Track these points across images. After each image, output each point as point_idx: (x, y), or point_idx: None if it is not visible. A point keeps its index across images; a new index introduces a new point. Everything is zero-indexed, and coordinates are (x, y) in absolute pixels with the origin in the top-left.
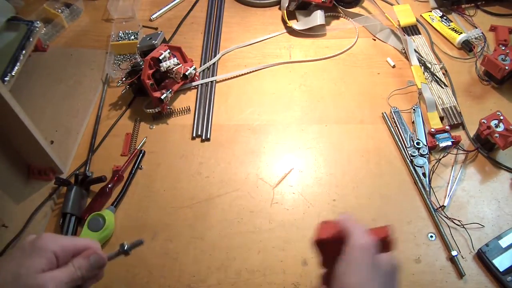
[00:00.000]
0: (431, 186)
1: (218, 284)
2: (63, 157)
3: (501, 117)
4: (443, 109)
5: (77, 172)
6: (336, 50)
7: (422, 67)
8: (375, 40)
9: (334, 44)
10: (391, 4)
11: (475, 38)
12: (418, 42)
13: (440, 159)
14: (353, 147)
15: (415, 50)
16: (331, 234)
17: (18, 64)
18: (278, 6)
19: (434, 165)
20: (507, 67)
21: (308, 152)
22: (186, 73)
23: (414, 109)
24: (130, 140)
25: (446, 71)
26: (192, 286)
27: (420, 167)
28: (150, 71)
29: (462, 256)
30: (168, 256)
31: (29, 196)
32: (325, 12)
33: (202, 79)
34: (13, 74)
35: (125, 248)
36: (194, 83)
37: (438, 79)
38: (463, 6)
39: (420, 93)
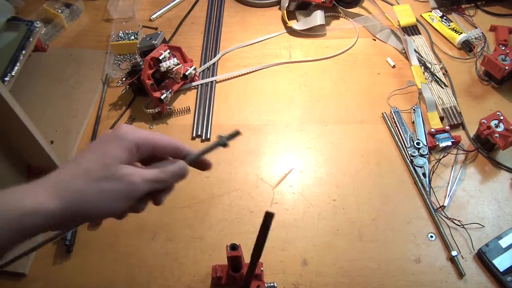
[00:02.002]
0: (431, 186)
1: None
2: (63, 157)
3: (501, 117)
4: (443, 109)
5: None
6: (336, 50)
7: (422, 67)
8: (375, 40)
9: (334, 44)
10: (391, 4)
11: (475, 38)
12: (418, 42)
13: (440, 159)
14: (353, 147)
15: (415, 50)
16: None
17: (18, 64)
18: (278, 6)
19: (434, 165)
20: (507, 67)
21: (308, 152)
22: (186, 73)
23: (414, 109)
24: None
25: (446, 71)
26: (192, 286)
27: (420, 167)
28: (150, 71)
29: (462, 256)
30: (168, 256)
31: None
32: (325, 12)
33: (202, 79)
34: (13, 74)
35: (224, 139)
36: (194, 83)
37: (438, 79)
38: (463, 6)
39: (420, 93)
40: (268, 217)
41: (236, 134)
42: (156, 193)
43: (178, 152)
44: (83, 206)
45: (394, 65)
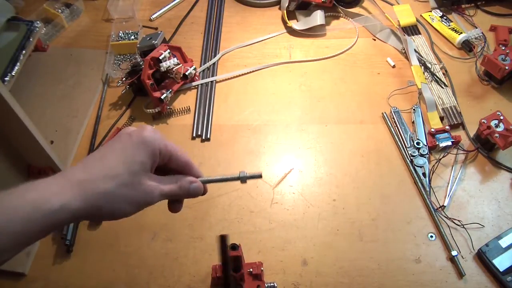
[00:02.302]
0: (431, 186)
1: None
2: (63, 157)
3: (501, 117)
4: (443, 109)
5: None
6: (336, 50)
7: (422, 67)
8: (375, 40)
9: (334, 44)
10: (391, 4)
11: (475, 38)
12: (418, 42)
13: (440, 159)
14: (353, 147)
15: (415, 50)
16: None
17: (18, 64)
18: (278, 6)
19: (434, 165)
20: (507, 67)
21: (308, 152)
22: (186, 73)
23: (414, 109)
24: (116, 134)
25: (446, 71)
26: (192, 286)
27: (420, 167)
28: (150, 71)
29: (462, 256)
30: (168, 256)
31: None
32: (325, 12)
33: (202, 79)
34: (13, 74)
35: (244, 176)
36: (194, 83)
37: (438, 79)
38: (463, 6)
39: (420, 93)
40: (222, 241)
41: (257, 176)
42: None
43: (187, 167)
44: (105, 208)
45: (394, 65)
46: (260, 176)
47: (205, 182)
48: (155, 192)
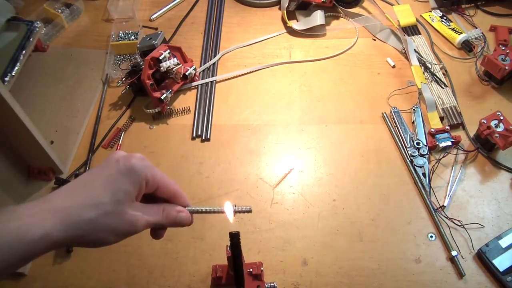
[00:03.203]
0: (431, 186)
1: None
2: (63, 157)
3: (501, 117)
4: (443, 109)
5: (77, 172)
6: (336, 50)
7: (422, 67)
8: (375, 40)
9: (334, 44)
10: (391, 4)
11: (475, 38)
12: (418, 42)
13: (440, 159)
14: (353, 147)
15: (415, 50)
16: None
17: (18, 64)
18: (278, 6)
19: (434, 165)
20: (507, 67)
21: (308, 152)
22: (186, 73)
23: (414, 109)
24: (116, 134)
25: (446, 71)
26: (192, 286)
27: (420, 167)
28: (150, 71)
29: (462, 256)
30: (168, 256)
31: (29, 196)
32: (325, 12)
33: (202, 79)
34: (13, 74)
35: (233, 210)
36: (194, 83)
37: (438, 79)
38: (463, 6)
39: (420, 93)
40: (234, 238)
41: (247, 211)
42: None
43: (175, 197)
44: (87, 237)
45: (394, 65)
46: (250, 211)
47: (193, 212)
48: (139, 222)
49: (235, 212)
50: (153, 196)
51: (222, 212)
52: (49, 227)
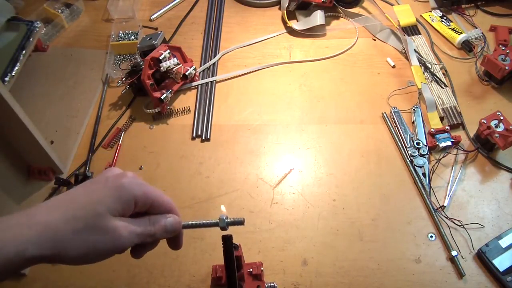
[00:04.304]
0: (431, 186)
1: None
2: (63, 157)
3: (501, 117)
4: (443, 109)
5: (77, 172)
6: (336, 50)
7: (422, 67)
8: (375, 40)
9: (334, 44)
10: (391, 4)
11: (475, 38)
12: (418, 42)
13: (440, 159)
14: (353, 147)
15: (415, 50)
16: None
17: (18, 64)
18: (278, 6)
19: (434, 165)
20: (507, 67)
21: (308, 152)
22: (186, 73)
23: (414, 109)
24: (116, 134)
25: (446, 71)
26: (192, 286)
27: (420, 167)
28: (150, 71)
29: (462, 256)
30: (168, 256)
31: (29, 196)
32: (325, 12)
33: (202, 79)
34: (13, 74)
35: (225, 223)
36: (194, 83)
37: (438, 79)
38: (463, 6)
39: (420, 93)
40: (227, 241)
41: (239, 223)
42: (140, 246)
43: (171, 213)
44: (63, 254)
45: (394, 65)
46: (242, 223)
47: (185, 226)
48: (123, 234)
49: (228, 224)
50: (148, 214)
51: (215, 225)
52: (23, 245)
